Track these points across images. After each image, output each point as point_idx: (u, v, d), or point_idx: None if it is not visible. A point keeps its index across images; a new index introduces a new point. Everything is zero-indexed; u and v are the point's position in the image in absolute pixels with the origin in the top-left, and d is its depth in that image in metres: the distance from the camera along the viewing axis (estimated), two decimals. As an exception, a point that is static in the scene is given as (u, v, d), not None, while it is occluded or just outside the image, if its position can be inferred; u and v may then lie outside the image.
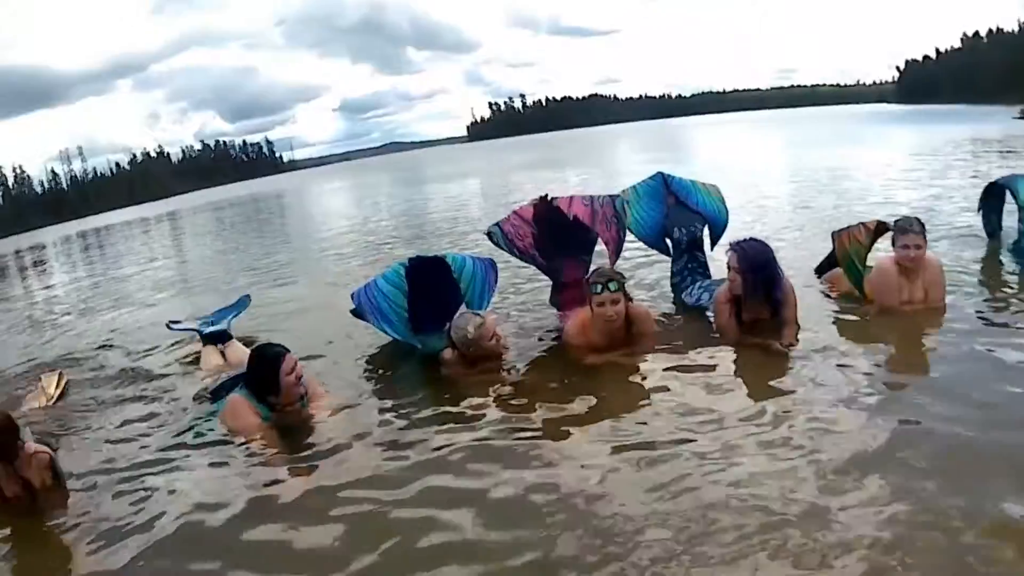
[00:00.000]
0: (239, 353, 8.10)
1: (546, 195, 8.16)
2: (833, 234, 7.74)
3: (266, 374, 6.19)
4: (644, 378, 6.21)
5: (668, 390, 5.84)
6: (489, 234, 8.24)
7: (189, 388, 7.92)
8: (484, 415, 5.92)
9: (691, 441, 4.94)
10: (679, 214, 8.40)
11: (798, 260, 8.77)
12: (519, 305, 9.07)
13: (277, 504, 5.06)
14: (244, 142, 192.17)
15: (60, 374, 8.83)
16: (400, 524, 4.50)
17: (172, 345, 10.21)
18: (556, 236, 8.03)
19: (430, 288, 7.81)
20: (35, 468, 5.36)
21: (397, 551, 4.23)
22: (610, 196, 8.18)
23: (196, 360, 8.87)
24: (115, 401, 8.06)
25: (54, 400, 7.97)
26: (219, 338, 8.75)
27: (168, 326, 9.54)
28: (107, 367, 9.56)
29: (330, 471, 5.37)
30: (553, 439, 5.31)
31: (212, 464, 5.85)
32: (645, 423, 5.34)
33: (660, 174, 8.74)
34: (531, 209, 8.08)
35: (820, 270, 8.29)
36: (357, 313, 8.07)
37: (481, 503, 4.59)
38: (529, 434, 5.43)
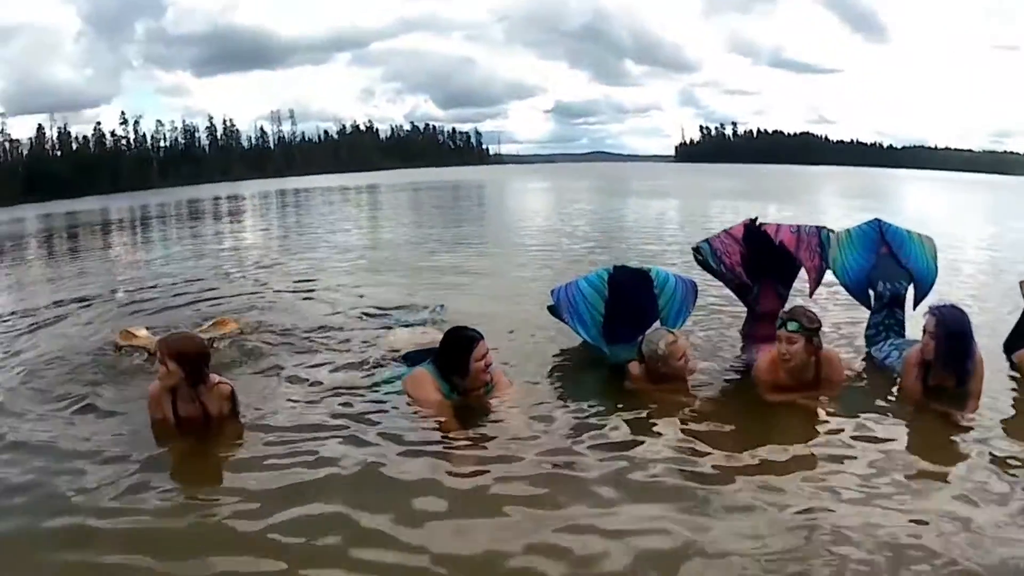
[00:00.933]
0: (431, 335, 8.19)
1: (755, 218, 8.24)
2: (1021, 283, 7.59)
3: (457, 355, 6.34)
4: (823, 425, 6.09)
5: (843, 444, 5.70)
6: (697, 248, 8.28)
7: (371, 352, 8.20)
8: (660, 436, 5.88)
9: (835, 500, 4.80)
10: (887, 267, 8.11)
11: (986, 328, 8.14)
12: (712, 331, 8.96)
13: (434, 481, 5.12)
14: (453, 129, 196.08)
15: (233, 321, 9.35)
16: (553, 535, 4.43)
17: (352, 308, 10.59)
18: (761, 260, 8.08)
19: (629, 298, 7.86)
20: (216, 397, 5.91)
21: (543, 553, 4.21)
22: (816, 227, 8.22)
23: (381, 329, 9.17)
24: (293, 351, 8.44)
25: (215, 341, 8.28)
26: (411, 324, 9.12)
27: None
28: (287, 319, 10.03)
29: (497, 463, 5.39)
30: (715, 479, 5.16)
31: (384, 431, 5.99)
32: (810, 472, 5.21)
33: (877, 221, 8.42)
34: (741, 228, 8.23)
35: (1008, 346, 7.70)
36: (553, 310, 8.20)
37: (634, 535, 4.44)
38: (693, 467, 5.32)
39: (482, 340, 6.36)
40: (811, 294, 7.98)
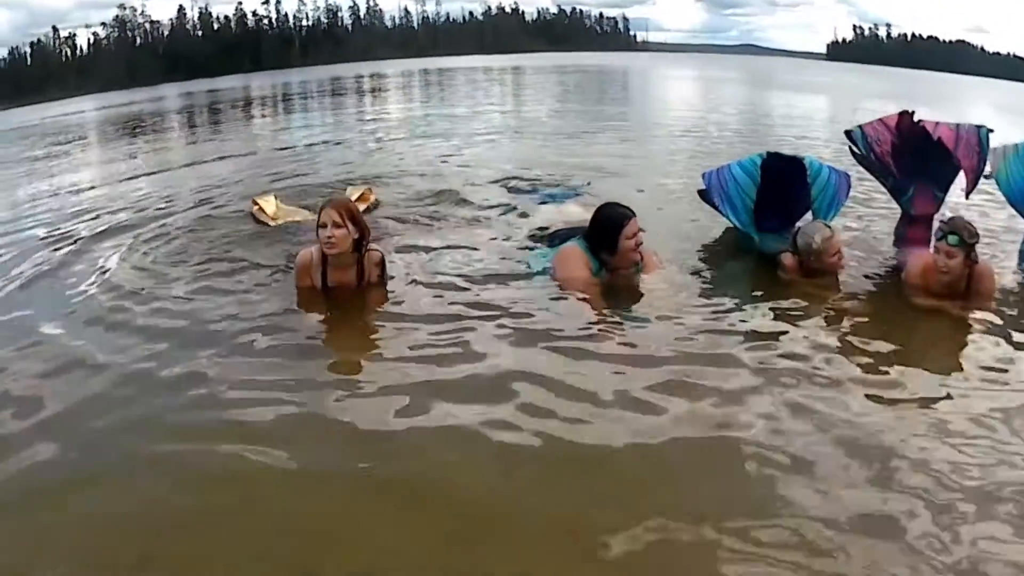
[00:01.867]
0: (579, 213, 8.11)
1: (912, 112, 7.98)
2: None
3: (608, 232, 6.29)
4: (969, 338, 5.91)
5: (987, 360, 5.41)
6: (849, 132, 8.18)
7: (516, 228, 8.25)
8: (806, 330, 5.79)
9: (965, 418, 4.51)
10: None
11: None
12: (864, 227, 8.66)
13: (578, 367, 5.05)
14: (601, 14, 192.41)
15: (370, 191, 9.54)
16: (691, 428, 4.37)
17: (496, 183, 10.62)
18: (915, 154, 7.92)
19: (781, 186, 7.75)
20: (368, 263, 6.18)
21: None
22: (976, 125, 7.86)
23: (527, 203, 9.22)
24: (436, 227, 8.56)
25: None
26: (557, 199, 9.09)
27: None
28: (430, 193, 10.14)
29: (642, 348, 5.34)
30: (857, 379, 5.01)
31: (530, 310, 5.96)
32: (948, 387, 4.96)
33: None
34: (896, 118, 7.98)
35: None
36: (703, 194, 8.20)
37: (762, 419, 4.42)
38: (835, 366, 5.18)
39: (634, 218, 6.30)
40: (967, 195, 7.73)
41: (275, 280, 6.70)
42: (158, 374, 5.00)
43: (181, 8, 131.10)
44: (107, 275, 7.05)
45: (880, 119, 8.07)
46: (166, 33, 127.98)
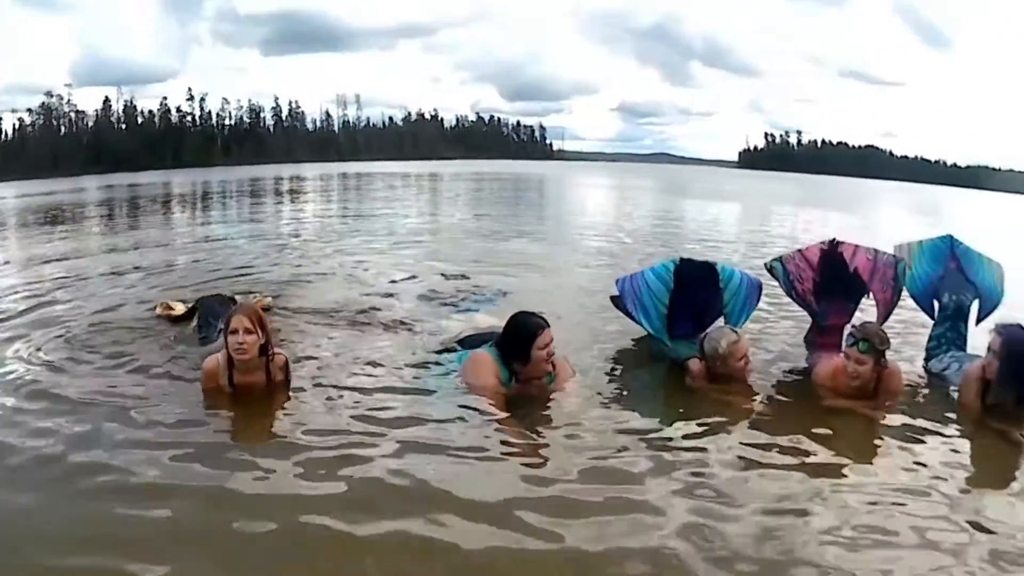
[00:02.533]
0: (487, 321, 8.14)
1: (834, 239, 8.10)
2: None
3: (520, 342, 6.22)
4: (880, 436, 6.05)
5: (898, 455, 5.63)
6: (770, 268, 8.13)
7: (425, 334, 8.15)
8: (717, 436, 5.79)
9: (900, 505, 4.74)
10: (954, 280, 8.16)
11: None
12: (774, 332, 8.91)
13: (480, 475, 5.00)
14: (518, 122, 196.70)
15: (266, 296, 9.57)
16: (599, 533, 4.30)
17: (408, 290, 10.63)
18: (833, 284, 7.94)
19: (694, 291, 7.84)
20: (274, 367, 6.17)
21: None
22: (894, 257, 8.08)
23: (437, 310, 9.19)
24: (345, 330, 8.45)
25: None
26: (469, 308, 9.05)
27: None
28: (342, 297, 10.07)
29: (548, 459, 5.28)
30: (768, 484, 5.05)
31: (434, 416, 5.86)
32: (866, 482, 5.11)
33: (950, 236, 8.44)
34: (817, 252, 8.00)
35: None
36: (617, 300, 8.23)
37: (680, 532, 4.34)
38: (747, 470, 5.22)
39: (547, 328, 6.23)
40: (880, 325, 7.59)
41: (183, 380, 6.59)
42: (55, 475, 4.82)
43: (107, 100, 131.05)
44: (6, 371, 6.81)
45: (801, 252, 8.11)
46: (91, 124, 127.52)
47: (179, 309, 8.72)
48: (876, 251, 8.00)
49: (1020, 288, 8.58)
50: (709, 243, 18.58)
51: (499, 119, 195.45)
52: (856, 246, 7.99)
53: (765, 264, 8.30)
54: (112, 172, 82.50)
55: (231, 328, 5.86)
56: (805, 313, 8.22)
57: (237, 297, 9.07)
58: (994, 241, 21.94)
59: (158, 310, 8.82)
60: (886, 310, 7.87)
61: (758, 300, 7.97)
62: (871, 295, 7.89)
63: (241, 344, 5.83)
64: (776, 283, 8.19)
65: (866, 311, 8.09)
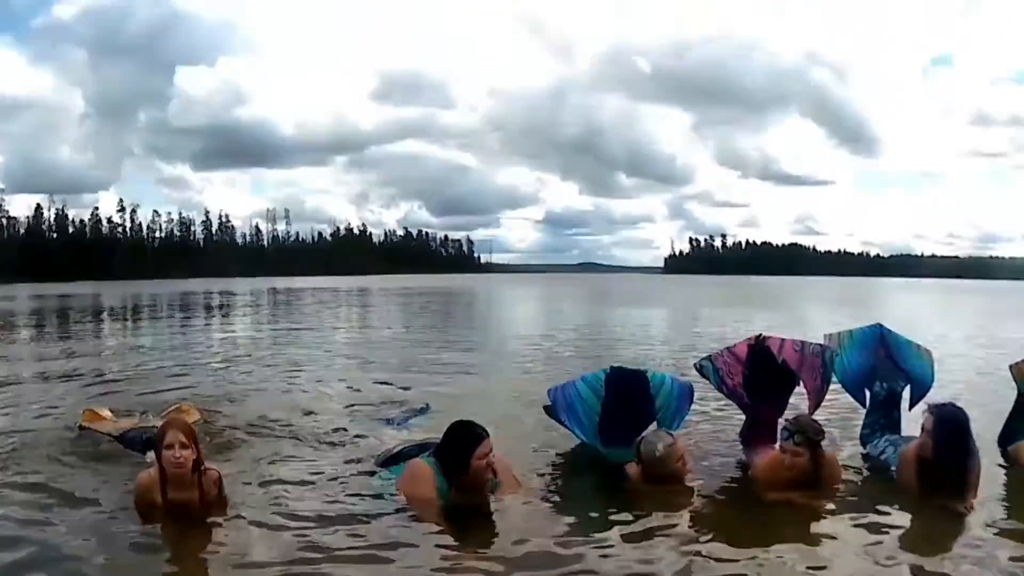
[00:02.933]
0: (420, 432, 8.16)
1: (760, 335, 8.22)
2: (1011, 367, 7.84)
3: (459, 451, 6.08)
4: (822, 524, 6.06)
5: (842, 541, 5.66)
6: (700, 367, 8.21)
7: (355, 447, 8.15)
8: (659, 538, 5.73)
9: None
10: (885, 369, 8.30)
11: (980, 421, 7.84)
12: (708, 433, 8.91)
13: None
14: (446, 236, 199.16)
15: (196, 409, 9.14)
16: None
17: (337, 403, 10.66)
18: (763, 377, 8.01)
19: (626, 399, 7.80)
20: (207, 482, 5.93)
21: None
22: (821, 346, 8.20)
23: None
24: (273, 444, 8.37)
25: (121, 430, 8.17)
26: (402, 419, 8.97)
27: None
28: (269, 410, 9.99)
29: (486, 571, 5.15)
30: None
31: (375, 540, 5.68)
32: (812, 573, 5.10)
33: (879, 326, 8.62)
34: (745, 347, 8.12)
35: (1003, 439, 7.90)
36: (549, 410, 8.16)
37: None
38: (693, 571, 5.15)
39: (487, 438, 6.11)
40: (810, 413, 7.77)
41: (111, 497, 6.38)
42: None
43: (38, 207, 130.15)
44: None
45: (729, 350, 8.22)
46: (22, 231, 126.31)
47: (107, 415, 8.51)
48: (803, 342, 8.15)
49: (950, 369, 8.95)
50: (640, 347, 18.86)
51: (427, 233, 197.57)
52: (783, 339, 8.14)
53: (695, 364, 8.40)
54: (42, 281, 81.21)
55: (166, 443, 5.66)
56: (738, 411, 8.30)
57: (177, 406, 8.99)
58: (922, 323, 22.58)
59: (83, 420, 8.47)
60: (817, 399, 7.95)
61: (690, 404, 8.03)
62: (801, 384, 7.94)
63: (179, 458, 5.63)
64: (707, 382, 8.26)
65: (797, 404, 8.13)
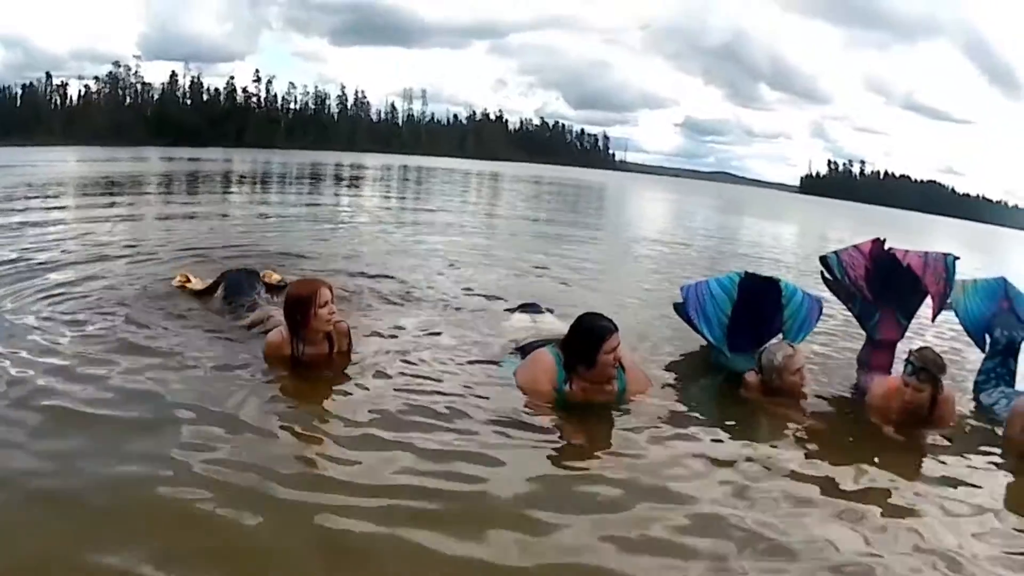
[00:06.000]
0: (549, 325, 7.93)
1: (884, 239, 8.17)
2: None
3: (586, 345, 5.98)
4: (927, 464, 5.95)
5: (944, 485, 5.51)
6: (824, 258, 8.27)
7: (490, 332, 8.03)
8: (769, 450, 5.74)
9: (918, 543, 4.55)
10: (1006, 318, 8.24)
11: None
12: (831, 352, 8.89)
13: (525, 482, 4.78)
14: (582, 130, 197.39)
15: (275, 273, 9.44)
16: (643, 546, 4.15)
17: (468, 278, 10.85)
18: (885, 280, 8.06)
19: (755, 306, 7.95)
20: (337, 335, 6.45)
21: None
22: (944, 254, 8.14)
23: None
24: (411, 308, 8.80)
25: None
26: (531, 308, 8.66)
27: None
28: (403, 277, 10.42)
29: (595, 467, 5.12)
30: (813, 502, 4.98)
31: (488, 409, 5.78)
32: (908, 510, 5.01)
33: (1003, 279, 8.61)
34: (870, 245, 8.10)
35: None
36: (679, 308, 8.29)
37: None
38: (793, 489, 5.11)
39: (616, 332, 5.98)
40: (933, 319, 7.97)
41: (241, 349, 6.66)
42: (124, 442, 4.80)
43: (174, 74, 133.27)
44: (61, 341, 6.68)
45: (855, 246, 8.20)
46: (156, 96, 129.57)
47: (196, 284, 8.70)
48: (925, 251, 8.06)
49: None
50: (769, 261, 18.51)
51: (563, 125, 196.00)
52: (906, 250, 8.08)
53: (820, 257, 8.38)
54: (174, 145, 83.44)
55: (321, 301, 6.15)
56: (860, 332, 8.33)
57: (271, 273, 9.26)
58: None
59: (176, 280, 8.80)
60: (940, 302, 7.87)
61: (818, 319, 8.00)
62: (924, 287, 7.87)
63: (333, 313, 6.23)
64: (835, 300, 8.41)
65: (913, 340, 8.12)
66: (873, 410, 6.67)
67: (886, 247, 8.05)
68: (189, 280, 8.74)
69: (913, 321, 8.24)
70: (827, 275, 8.26)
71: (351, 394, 5.88)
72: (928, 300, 7.94)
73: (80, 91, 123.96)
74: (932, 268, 7.85)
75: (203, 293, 8.41)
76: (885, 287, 8.01)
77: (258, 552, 3.78)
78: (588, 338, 5.96)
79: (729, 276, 8.04)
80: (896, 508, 4.94)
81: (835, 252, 8.21)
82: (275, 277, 9.13)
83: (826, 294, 8.49)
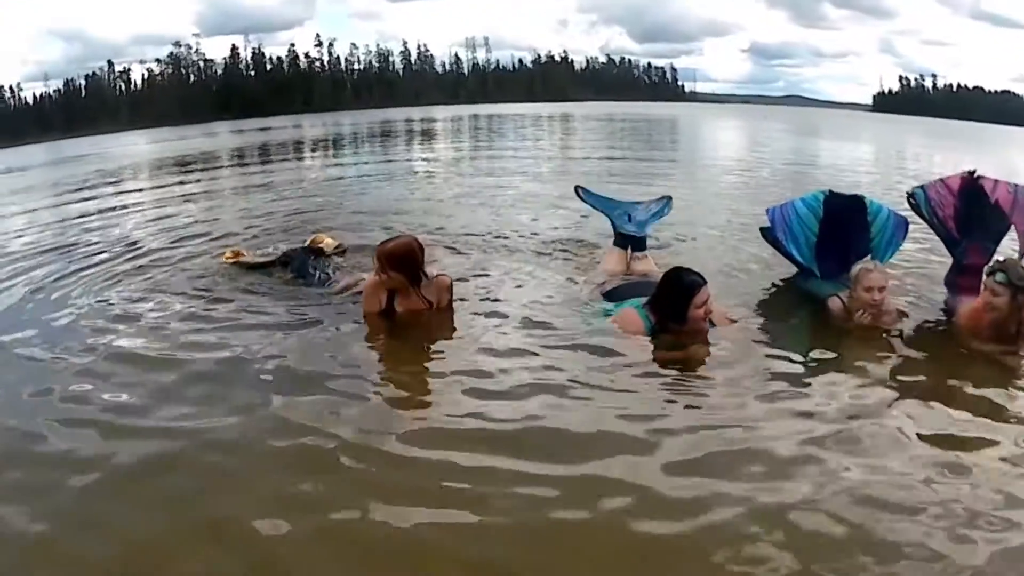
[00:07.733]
0: (646, 267, 7.88)
1: (974, 171, 7.93)
2: None
3: (676, 300, 6.02)
4: (1017, 384, 5.77)
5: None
6: (911, 195, 7.98)
7: (576, 277, 8.15)
8: (858, 377, 5.72)
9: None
10: None
11: None
12: (916, 274, 8.70)
13: (631, 420, 4.87)
14: (649, 64, 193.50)
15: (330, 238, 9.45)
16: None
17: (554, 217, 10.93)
18: (973, 215, 7.83)
19: (841, 225, 7.86)
20: (436, 288, 6.61)
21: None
22: None
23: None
24: (503, 256, 8.97)
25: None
26: (636, 245, 8.28)
27: (577, 192, 9.25)
28: (491, 223, 10.66)
29: (693, 407, 5.17)
30: (904, 426, 4.94)
31: (586, 357, 5.85)
32: (998, 433, 4.88)
33: None
34: (958, 180, 7.89)
35: None
36: (765, 233, 8.35)
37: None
38: (884, 415, 5.10)
39: (705, 285, 5.99)
40: (1021, 256, 7.48)
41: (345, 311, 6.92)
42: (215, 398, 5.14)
43: (234, 48, 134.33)
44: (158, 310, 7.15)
45: (943, 180, 8.03)
46: (219, 71, 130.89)
47: (249, 256, 8.75)
48: (1017, 185, 7.86)
49: None
50: (847, 182, 18.10)
51: (629, 61, 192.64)
52: (996, 180, 7.87)
53: (907, 192, 8.18)
54: (242, 118, 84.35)
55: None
56: (947, 255, 8.12)
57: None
58: None
59: (227, 256, 8.78)
60: None
61: (904, 237, 7.91)
62: (1012, 228, 7.73)
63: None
64: (919, 224, 8.19)
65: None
66: (962, 330, 6.64)
67: (974, 174, 7.89)
68: (241, 254, 8.76)
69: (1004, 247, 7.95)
70: (913, 206, 8.08)
71: (461, 344, 6.09)
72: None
73: (143, 75, 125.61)
74: (1021, 205, 7.73)
75: (258, 267, 8.44)
76: (971, 222, 7.86)
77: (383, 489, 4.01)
78: (678, 294, 5.98)
79: (814, 195, 8.03)
80: (988, 434, 4.85)
81: (922, 187, 8.03)
82: (329, 242, 9.15)
83: (911, 213, 8.27)
